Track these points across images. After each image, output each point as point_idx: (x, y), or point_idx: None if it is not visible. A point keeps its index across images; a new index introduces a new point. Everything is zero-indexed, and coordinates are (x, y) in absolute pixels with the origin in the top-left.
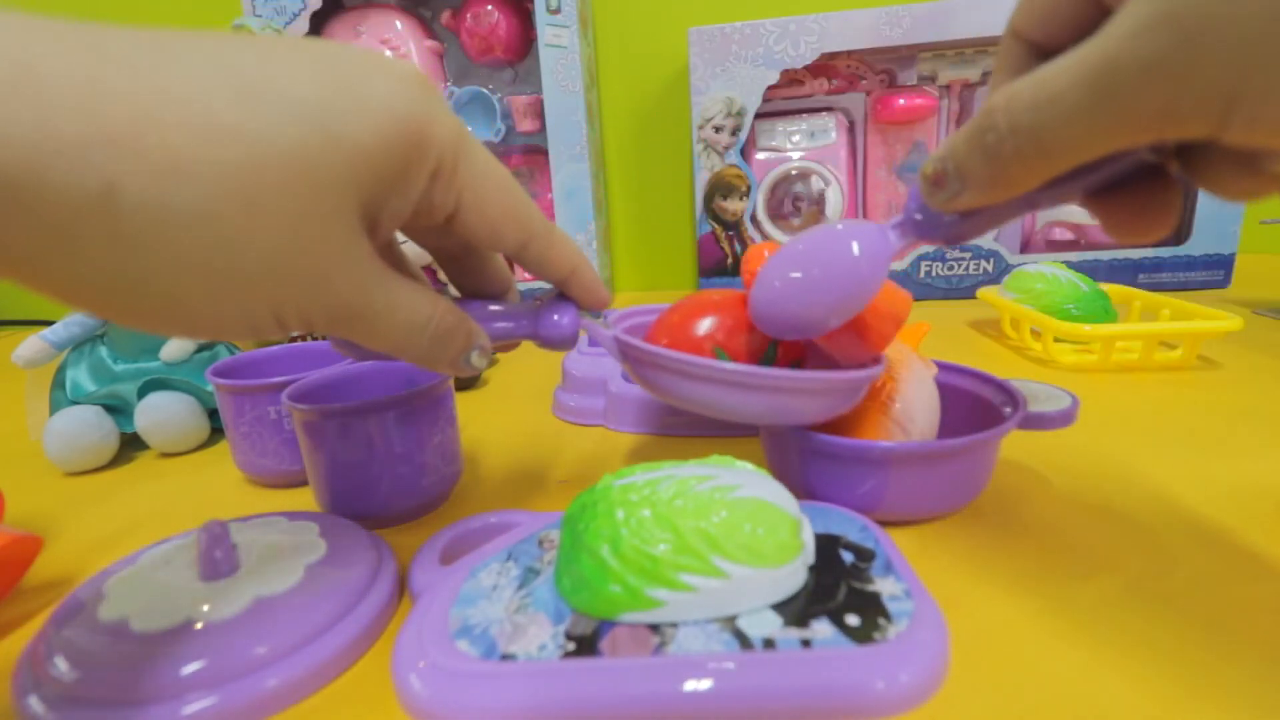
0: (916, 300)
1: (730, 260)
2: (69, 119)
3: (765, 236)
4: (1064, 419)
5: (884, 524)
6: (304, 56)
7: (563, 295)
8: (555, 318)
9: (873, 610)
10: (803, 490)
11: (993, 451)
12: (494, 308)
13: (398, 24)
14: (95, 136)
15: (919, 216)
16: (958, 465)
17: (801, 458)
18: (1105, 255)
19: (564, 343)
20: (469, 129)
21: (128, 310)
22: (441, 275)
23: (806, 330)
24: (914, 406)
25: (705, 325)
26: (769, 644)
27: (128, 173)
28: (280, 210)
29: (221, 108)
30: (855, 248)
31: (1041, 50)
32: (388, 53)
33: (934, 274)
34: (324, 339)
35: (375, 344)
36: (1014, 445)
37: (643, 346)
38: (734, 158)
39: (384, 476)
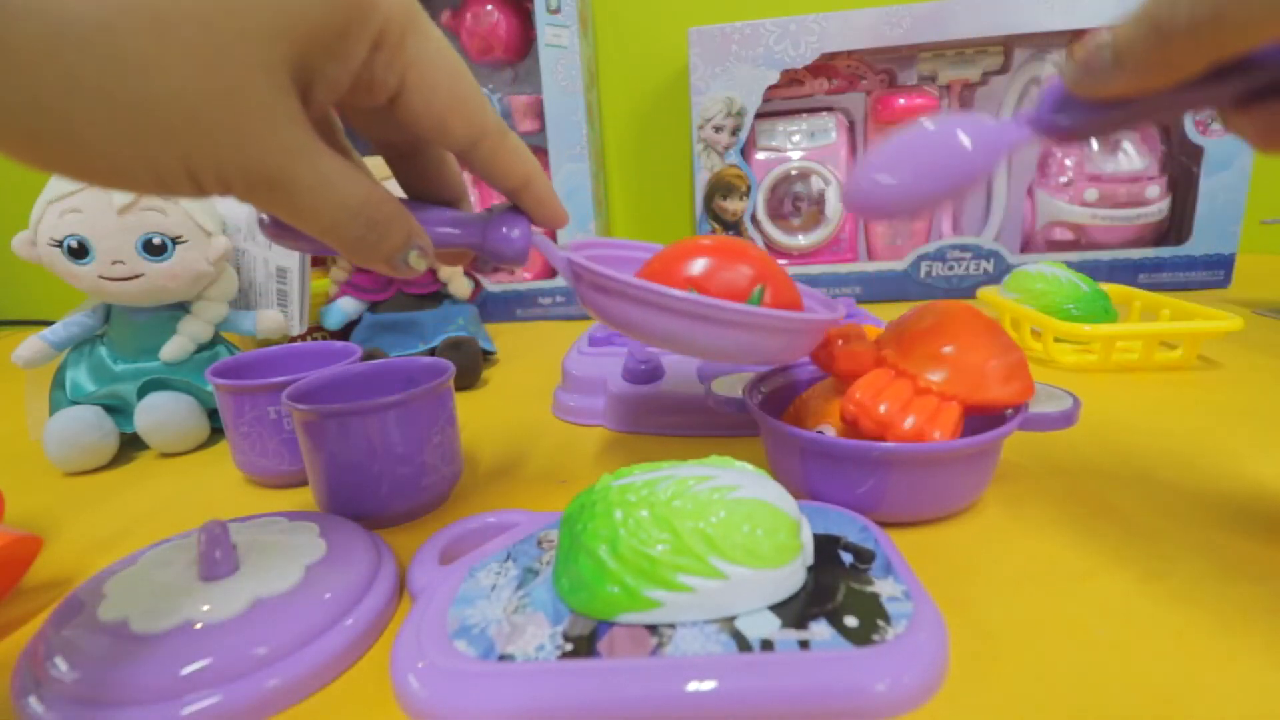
0: (916, 300)
1: None
2: None
3: (765, 236)
4: (1065, 420)
5: (884, 525)
6: None
7: (515, 208)
8: (505, 230)
9: (871, 612)
10: (803, 490)
11: (994, 453)
12: (443, 212)
13: None
14: None
15: (1050, 111)
16: (959, 466)
17: (802, 458)
18: (1105, 255)
19: (514, 257)
20: (420, 5)
21: (21, 143)
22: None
23: (906, 211)
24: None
25: (687, 267)
26: (767, 645)
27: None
28: (195, 41)
29: None
30: (968, 142)
31: None
32: None
33: (934, 274)
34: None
35: (300, 222)
36: (1014, 445)
37: (596, 269)
38: (734, 158)
39: (384, 476)
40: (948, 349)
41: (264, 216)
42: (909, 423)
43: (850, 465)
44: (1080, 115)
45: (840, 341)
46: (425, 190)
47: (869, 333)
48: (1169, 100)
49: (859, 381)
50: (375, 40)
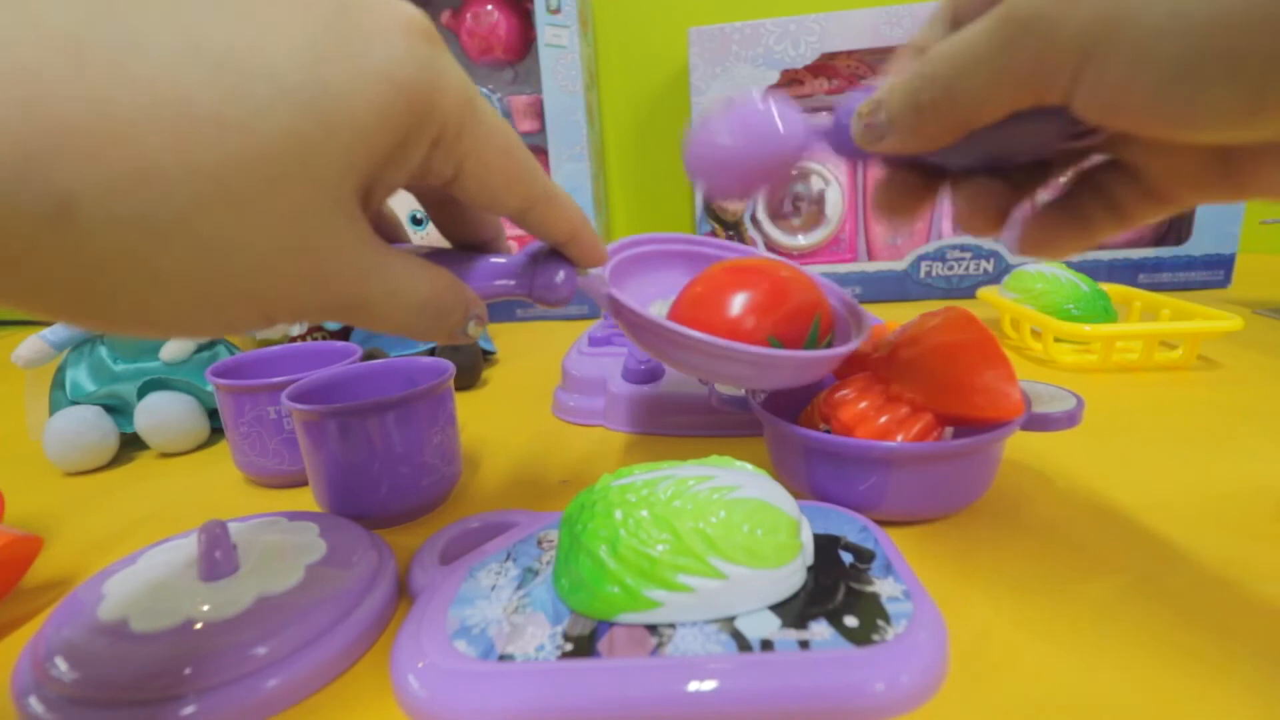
0: (916, 300)
1: None
2: (5, 121)
3: (765, 236)
4: (1068, 420)
5: (886, 524)
6: (287, 13)
7: (553, 253)
8: (551, 277)
9: (871, 612)
10: (806, 489)
11: (997, 452)
12: (490, 264)
13: None
14: (40, 142)
15: (839, 135)
16: (961, 466)
17: (805, 456)
18: (1105, 255)
19: (560, 301)
20: (475, 87)
21: (97, 322)
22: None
23: (729, 188)
24: None
25: (744, 306)
26: (767, 645)
27: (86, 184)
28: (272, 210)
29: (196, 93)
30: (781, 129)
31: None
32: None
33: (934, 274)
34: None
35: (374, 328)
36: (1014, 445)
37: (637, 311)
38: None
39: (384, 476)
40: (928, 359)
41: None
42: (872, 424)
43: (852, 464)
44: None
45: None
46: (463, 233)
47: (888, 328)
48: (956, 155)
49: (837, 384)
50: (435, 140)
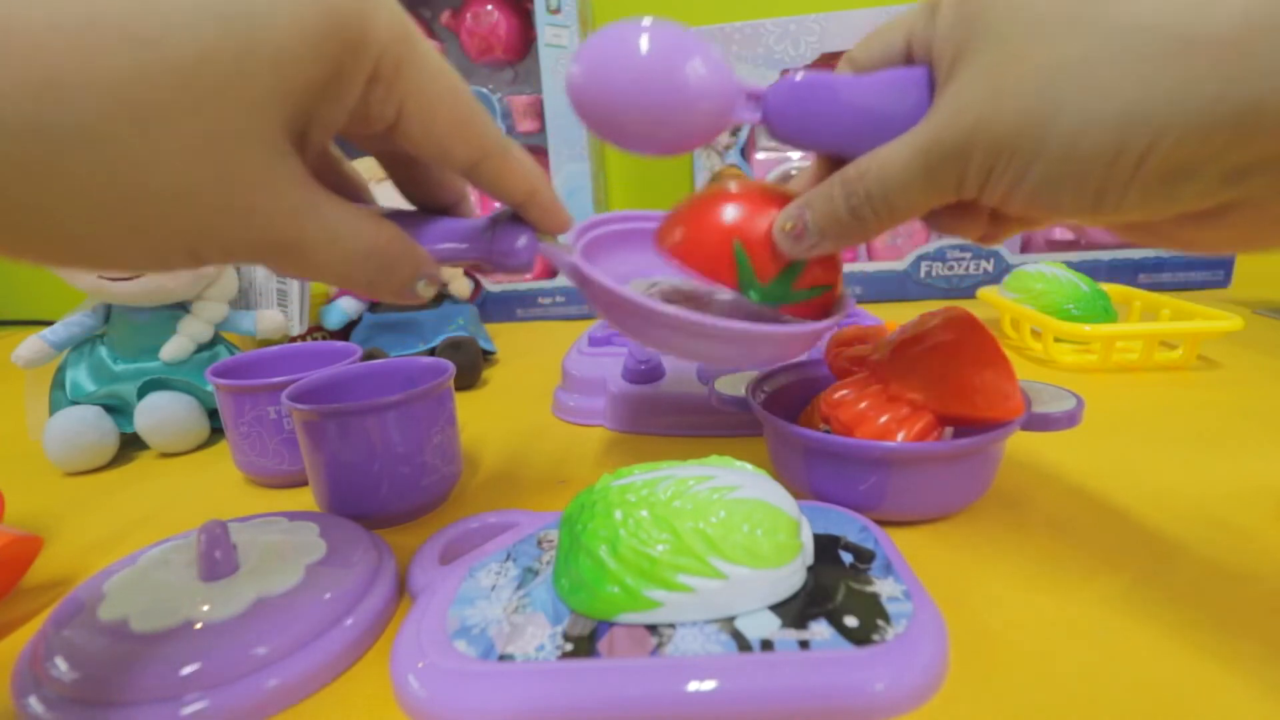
0: (916, 300)
1: None
2: None
3: None
4: (1068, 420)
5: (888, 524)
6: None
7: (514, 218)
8: (510, 242)
9: (871, 612)
10: (807, 489)
11: (997, 452)
12: (447, 225)
13: None
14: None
15: (770, 100)
16: (962, 466)
17: (805, 456)
18: (1105, 255)
19: (520, 267)
20: (415, 25)
21: (25, 244)
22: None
23: (627, 142)
24: None
25: (729, 215)
26: (767, 645)
27: (54, 110)
28: (186, 130)
29: (102, 6)
30: (698, 81)
31: None
32: None
33: (934, 274)
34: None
35: (311, 276)
36: (1014, 445)
37: (599, 280)
38: (734, 157)
39: (384, 476)
40: (928, 358)
41: None
42: (872, 424)
43: (852, 464)
44: (791, 116)
45: (857, 345)
46: (424, 195)
47: (888, 328)
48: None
49: (838, 384)
50: (370, 76)
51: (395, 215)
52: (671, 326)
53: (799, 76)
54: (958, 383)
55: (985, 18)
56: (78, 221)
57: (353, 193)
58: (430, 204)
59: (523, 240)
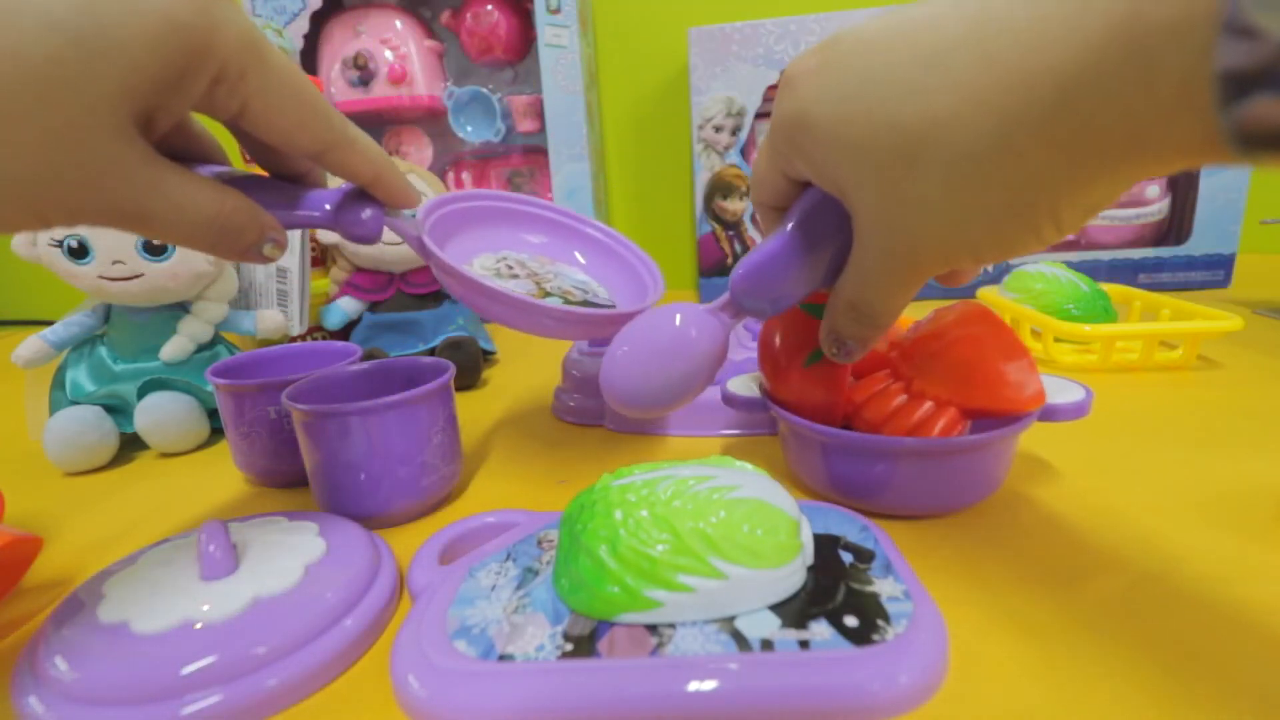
0: (916, 300)
1: (730, 260)
2: None
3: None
4: (1078, 410)
5: (902, 518)
6: None
7: (361, 192)
8: (357, 213)
9: (871, 611)
10: (825, 486)
11: (1010, 447)
12: (297, 193)
13: (398, 24)
14: None
15: (744, 302)
16: (985, 458)
17: (823, 454)
18: (1105, 255)
19: (366, 238)
20: (263, 32)
21: None
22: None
23: (655, 406)
24: None
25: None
26: (767, 645)
27: None
28: (35, 124)
29: None
30: (693, 332)
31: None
32: None
33: None
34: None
35: (160, 239)
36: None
37: (442, 258)
38: (734, 158)
39: (384, 476)
40: (948, 353)
41: None
42: (899, 421)
43: (871, 460)
44: (764, 302)
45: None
46: (272, 163)
47: (900, 325)
48: None
49: (860, 382)
50: (214, 78)
51: (245, 182)
52: (500, 301)
53: (740, 269)
54: (982, 376)
55: (837, 159)
56: None
57: (204, 154)
58: (280, 173)
59: (368, 212)
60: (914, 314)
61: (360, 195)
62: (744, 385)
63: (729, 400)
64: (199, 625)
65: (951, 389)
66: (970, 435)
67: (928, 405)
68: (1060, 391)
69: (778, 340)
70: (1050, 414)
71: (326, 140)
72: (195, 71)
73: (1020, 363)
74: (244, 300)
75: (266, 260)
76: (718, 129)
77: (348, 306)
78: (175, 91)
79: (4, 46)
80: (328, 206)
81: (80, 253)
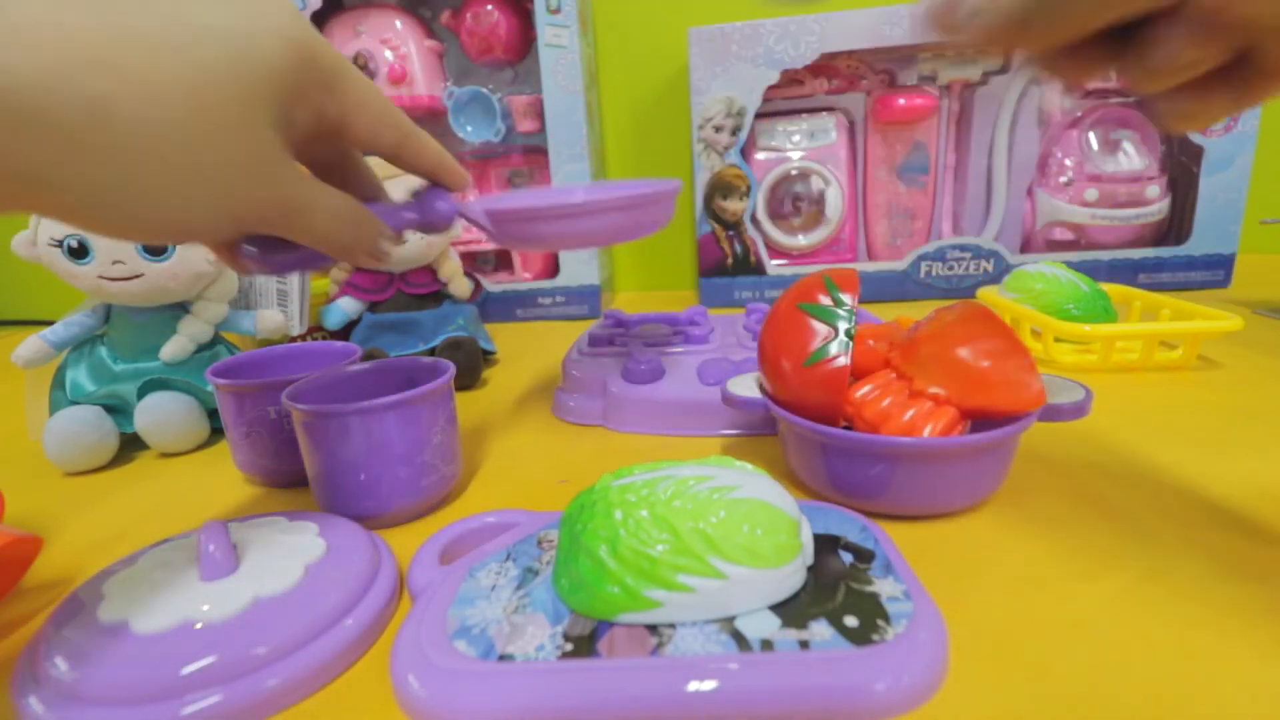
0: (916, 300)
1: (730, 260)
2: (51, 49)
3: (765, 236)
4: (1078, 411)
5: (902, 518)
6: None
7: (433, 186)
8: (437, 204)
9: (871, 611)
10: (825, 486)
11: (1011, 447)
12: (386, 206)
13: (398, 24)
14: (81, 60)
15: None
16: (988, 458)
17: (823, 454)
18: (1105, 255)
19: (447, 223)
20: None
21: (116, 215)
22: None
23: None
24: None
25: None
26: (767, 645)
27: (116, 91)
28: (223, 118)
29: (163, 37)
30: None
31: None
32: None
33: (934, 274)
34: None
35: (306, 235)
36: None
37: (509, 206)
38: (734, 158)
39: (384, 476)
40: (948, 353)
41: (250, 248)
42: (898, 421)
43: (871, 460)
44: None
45: (870, 342)
46: (354, 192)
47: (900, 325)
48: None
49: (860, 382)
50: (325, 85)
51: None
52: (569, 214)
53: None
54: (981, 376)
55: None
56: (159, 193)
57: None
58: (359, 198)
59: (443, 202)
60: (914, 314)
61: (428, 191)
62: (744, 385)
63: (729, 400)
64: (199, 625)
65: (951, 389)
66: (970, 435)
67: (927, 405)
68: (1060, 391)
69: (778, 341)
70: (1050, 414)
71: (404, 133)
72: (312, 79)
73: (1020, 363)
74: (244, 300)
75: (388, 258)
76: (718, 129)
77: (348, 306)
78: (302, 100)
79: (192, 55)
80: (412, 208)
81: (80, 253)
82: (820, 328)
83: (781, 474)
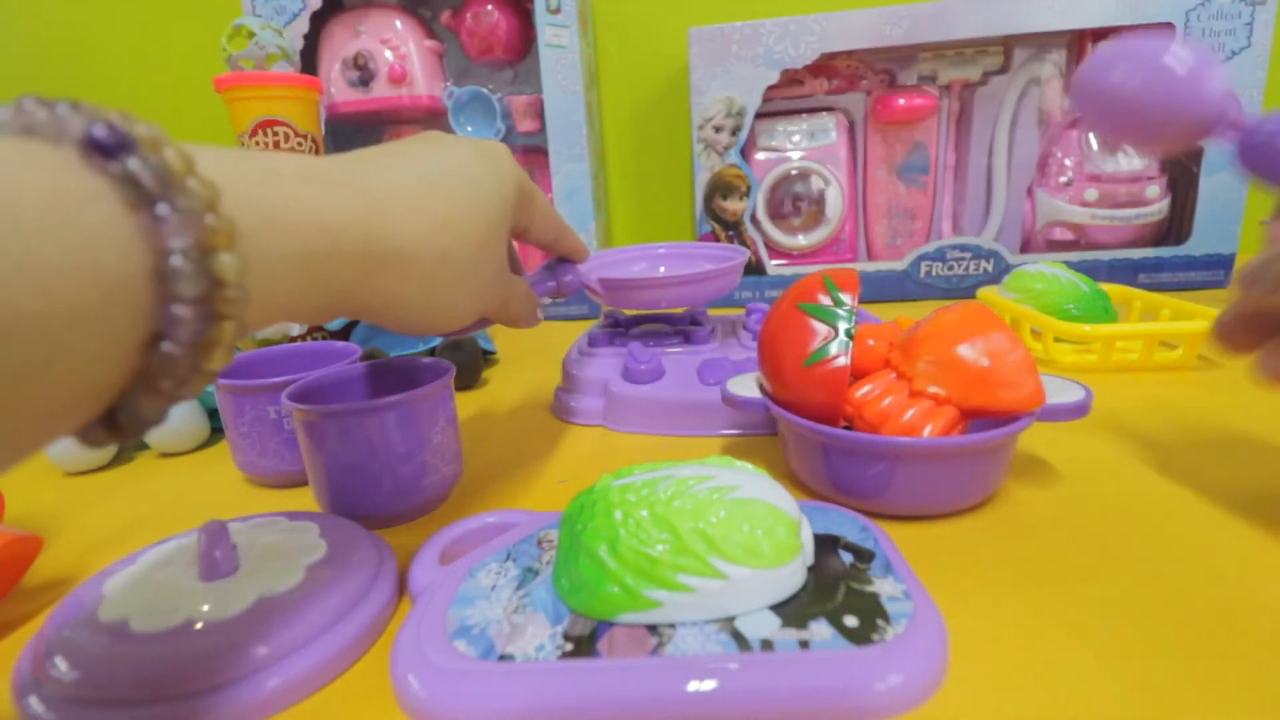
0: (916, 300)
1: None
2: (419, 220)
3: (765, 236)
4: (1078, 410)
5: (902, 518)
6: (463, 148)
7: (561, 259)
8: (568, 276)
9: (871, 611)
10: (825, 486)
11: (1010, 447)
12: (533, 278)
13: (398, 24)
14: (435, 226)
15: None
16: (985, 458)
17: (824, 454)
18: (1105, 255)
19: (575, 291)
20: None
21: (431, 322)
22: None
23: (1116, 135)
24: None
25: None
26: (767, 645)
27: (452, 242)
28: (492, 248)
29: (471, 199)
30: (1189, 93)
31: None
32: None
33: (934, 274)
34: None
35: (505, 316)
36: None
37: (615, 278)
38: (734, 158)
39: (384, 476)
40: (948, 352)
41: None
42: (898, 421)
43: (871, 460)
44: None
45: (870, 342)
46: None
47: (899, 326)
48: None
49: (860, 382)
50: (526, 207)
51: None
52: (661, 286)
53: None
54: (980, 376)
55: None
56: (455, 306)
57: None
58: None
59: (571, 274)
60: (914, 314)
61: (559, 263)
62: (744, 385)
63: (729, 400)
64: (199, 625)
65: (951, 388)
66: (969, 435)
67: (927, 405)
68: (1060, 391)
69: (778, 341)
70: (1050, 414)
71: (561, 229)
72: (522, 204)
73: (1020, 362)
74: None
75: (538, 322)
76: (718, 129)
77: None
78: (514, 217)
79: (480, 206)
80: (550, 278)
81: None
82: (820, 328)
83: (782, 474)
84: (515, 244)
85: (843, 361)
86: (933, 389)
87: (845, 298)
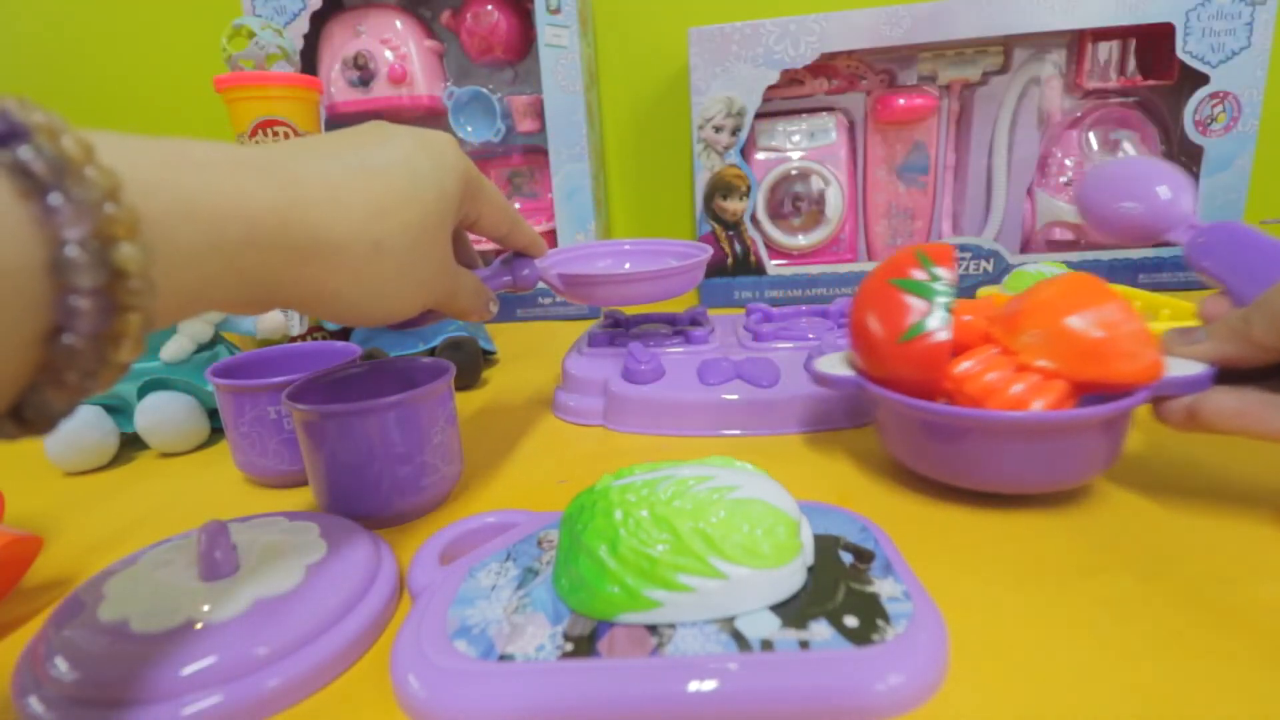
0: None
1: (730, 260)
2: (351, 208)
3: (765, 236)
4: (1197, 384)
5: (1003, 496)
6: (406, 139)
7: (518, 254)
8: (524, 271)
9: (871, 612)
10: (919, 464)
11: (1120, 426)
12: (486, 272)
13: (398, 24)
14: (368, 215)
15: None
16: (1081, 438)
17: (924, 430)
18: (1105, 255)
19: (532, 285)
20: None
21: (367, 314)
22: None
23: (1105, 233)
24: None
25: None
26: (767, 645)
27: (385, 234)
28: (433, 239)
29: (409, 189)
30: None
31: None
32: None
33: None
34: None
35: (453, 309)
36: None
37: (574, 273)
38: (734, 158)
39: (384, 476)
40: (1056, 324)
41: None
42: (1004, 395)
43: (978, 436)
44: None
45: (967, 317)
46: (462, 261)
47: (995, 301)
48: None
49: (960, 357)
50: (472, 197)
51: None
52: (623, 282)
53: (1228, 230)
54: (1093, 346)
55: None
56: (398, 298)
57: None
58: (468, 267)
59: (528, 268)
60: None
61: (515, 258)
62: (834, 364)
63: (820, 380)
64: (199, 625)
65: (1061, 361)
66: (1097, 407)
67: (1035, 379)
68: (1177, 366)
69: (872, 318)
70: (1169, 387)
71: (513, 222)
72: (468, 194)
73: (1137, 332)
74: None
75: (491, 315)
76: (718, 129)
77: None
78: (460, 211)
79: (419, 196)
80: (505, 272)
81: None
82: (916, 303)
83: (782, 475)
84: (468, 236)
85: (944, 336)
86: (1041, 362)
87: (942, 271)
